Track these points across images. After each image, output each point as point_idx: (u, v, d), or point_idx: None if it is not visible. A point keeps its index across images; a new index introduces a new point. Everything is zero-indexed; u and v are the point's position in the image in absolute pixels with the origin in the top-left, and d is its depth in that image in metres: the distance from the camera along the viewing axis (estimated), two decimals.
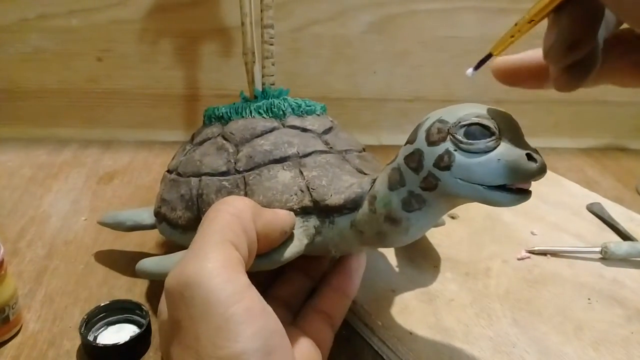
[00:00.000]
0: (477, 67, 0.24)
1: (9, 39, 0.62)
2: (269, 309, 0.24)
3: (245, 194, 0.32)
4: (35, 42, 0.63)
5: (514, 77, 0.24)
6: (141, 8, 0.61)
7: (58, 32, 0.62)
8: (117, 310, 0.36)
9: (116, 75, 0.65)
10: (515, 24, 0.22)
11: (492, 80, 0.25)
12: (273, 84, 0.40)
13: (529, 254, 0.42)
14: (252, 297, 0.24)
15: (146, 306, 0.36)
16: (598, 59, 0.21)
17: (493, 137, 0.24)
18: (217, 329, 0.22)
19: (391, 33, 0.65)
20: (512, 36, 0.22)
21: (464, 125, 0.24)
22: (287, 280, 0.35)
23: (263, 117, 0.37)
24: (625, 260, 0.42)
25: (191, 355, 0.23)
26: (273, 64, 0.40)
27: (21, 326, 0.36)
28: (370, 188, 0.30)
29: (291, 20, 0.63)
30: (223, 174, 0.34)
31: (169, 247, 0.45)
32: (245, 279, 0.25)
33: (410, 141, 0.27)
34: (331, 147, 0.35)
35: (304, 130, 0.36)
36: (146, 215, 0.41)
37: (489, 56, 0.24)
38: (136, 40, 0.63)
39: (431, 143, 0.26)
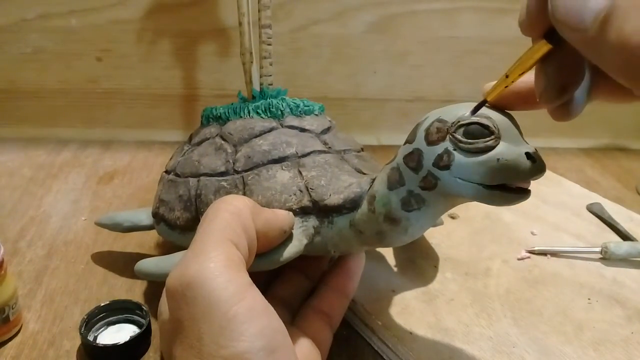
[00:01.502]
0: (474, 112, 0.25)
1: (9, 39, 0.62)
2: (271, 308, 0.24)
3: (244, 194, 0.32)
4: (35, 42, 0.63)
5: (505, 101, 0.25)
6: (141, 8, 0.62)
7: (58, 32, 0.62)
8: (117, 310, 0.36)
9: (116, 75, 0.65)
10: (506, 75, 0.23)
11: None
12: (271, 84, 0.40)
13: (529, 254, 0.42)
14: (254, 296, 0.24)
15: (146, 306, 0.36)
16: (587, 92, 0.22)
17: (492, 137, 0.24)
18: (220, 329, 0.22)
19: (391, 33, 0.65)
20: (506, 86, 0.23)
21: (463, 125, 0.24)
22: (286, 280, 0.35)
23: (261, 117, 0.37)
24: (625, 260, 0.41)
25: (194, 355, 0.23)
26: (271, 64, 0.40)
27: (21, 326, 0.36)
28: (369, 188, 0.30)
29: (291, 20, 0.63)
30: (221, 174, 0.34)
31: (169, 247, 0.44)
32: (247, 278, 0.25)
33: (409, 141, 0.27)
34: (330, 147, 0.35)
35: (303, 130, 0.36)
36: (144, 216, 0.41)
37: (483, 102, 0.25)
38: (136, 40, 0.63)
39: (430, 142, 0.26)
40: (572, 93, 0.21)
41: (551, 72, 0.21)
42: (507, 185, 0.24)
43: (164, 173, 0.39)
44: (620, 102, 0.23)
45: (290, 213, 0.31)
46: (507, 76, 0.23)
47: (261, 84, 0.40)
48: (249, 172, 0.33)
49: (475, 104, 0.25)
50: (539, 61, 0.21)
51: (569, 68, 0.21)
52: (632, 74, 0.18)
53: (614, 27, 0.17)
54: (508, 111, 0.26)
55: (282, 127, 0.36)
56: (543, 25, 0.20)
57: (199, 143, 0.38)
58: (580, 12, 0.17)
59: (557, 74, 0.21)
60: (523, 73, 0.22)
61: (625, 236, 0.45)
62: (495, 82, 0.24)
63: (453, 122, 0.25)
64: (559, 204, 0.50)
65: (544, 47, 0.20)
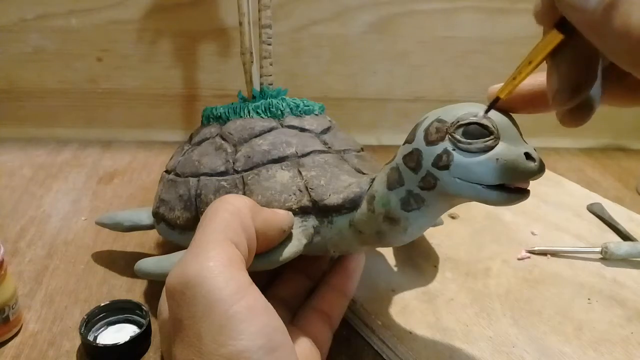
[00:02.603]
0: (487, 111, 0.24)
1: (9, 39, 0.62)
2: (271, 307, 0.24)
3: (244, 194, 0.32)
4: (35, 42, 0.63)
5: (510, 104, 0.25)
6: (141, 8, 0.62)
7: (58, 32, 0.62)
8: (117, 310, 0.36)
9: (116, 75, 0.65)
10: (517, 69, 0.23)
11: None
12: (271, 84, 0.40)
13: (529, 254, 0.42)
14: (254, 295, 0.24)
15: (146, 306, 0.36)
16: (599, 96, 0.22)
17: (491, 137, 0.24)
18: (219, 327, 0.22)
19: (391, 33, 0.65)
20: (514, 78, 0.23)
21: (463, 125, 0.24)
22: (286, 280, 0.35)
23: (261, 117, 0.37)
24: (625, 261, 0.41)
25: (194, 353, 0.23)
26: (271, 64, 0.40)
27: (21, 326, 0.36)
28: (369, 188, 0.30)
29: (291, 20, 0.63)
30: (221, 174, 0.34)
31: (169, 247, 0.45)
32: (246, 277, 0.25)
33: (408, 141, 0.27)
34: (329, 147, 0.35)
35: (303, 130, 0.36)
36: (144, 216, 0.41)
37: (496, 99, 0.24)
38: (136, 40, 0.63)
39: (430, 142, 0.26)
40: (585, 93, 0.21)
41: (563, 70, 0.21)
42: (507, 186, 0.24)
43: (164, 173, 0.39)
44: (628, 105, 0.23)
45: (290, 213, 0.31)
46: (517, 69, 0.23)
47: (261, 84, 0.40)
48: (248, 172, 0.33)
49: (474, 104, 0.25)
50: (551, 54, 0.21)
51: (582, 65, 0.20)
52: (636, 61, 0.17)
53: (620, 12, 0.17)
54: (512, 113, 0.26)
55: (282, 126, 0.36)
56: (555, 13, 0.20)
57: (199, 143, 0.38)
58: None
59: (569, 72, 0.21)
60: (536, 66, 0.22)
61: (625, 236, 0.45)
62: (503, 83, 0.24)
63: (452, 122, 0.25)
64: (559, 204, 0.50)
65: (556, 38, 0.20)
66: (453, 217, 0.47)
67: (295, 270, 0.36)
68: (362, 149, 0.38)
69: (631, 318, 0.36)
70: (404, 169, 0.27)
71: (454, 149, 0.25)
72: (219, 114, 0.38)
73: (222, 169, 0.34)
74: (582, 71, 0.21)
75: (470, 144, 0.24)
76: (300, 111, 0.37)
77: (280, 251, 0.30)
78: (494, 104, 0.24)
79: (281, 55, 0.63)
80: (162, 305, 0.28)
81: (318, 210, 0.31)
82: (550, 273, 0.40)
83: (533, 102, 0.24)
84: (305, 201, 0.31)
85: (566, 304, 0.37)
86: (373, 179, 0.30)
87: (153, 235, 0.46)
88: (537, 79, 0.24)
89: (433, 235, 0.44)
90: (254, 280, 0.25)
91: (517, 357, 0.32)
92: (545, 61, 0.22)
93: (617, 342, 0.33)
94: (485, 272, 0.40)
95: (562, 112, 0.22)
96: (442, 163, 0.25)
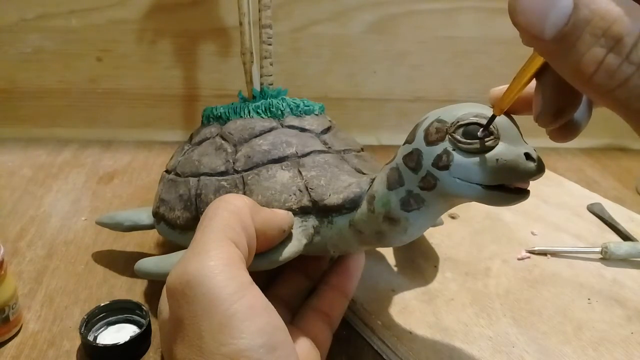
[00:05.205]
0: (485, 129, 0.24)
1: (9, 39, 0.62)
2: (271, 306, 0.24)
3: (244, 194, 0.32)
4: (35, 42, 0.63)
5: (512, 107, 0.25)
6: (141, 8, 0.62)
7: (58, 32, 0.62)
8: (117, 310, 0.36)
9: (116, 75, 0.65)
10: (509, 87, 0.23)
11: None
12: (271, 84, 0.40)
13: (529, 254, 0.42)
14: (255, 294, 0.24)
15: (146, 306, 0.36)
16: (588, 115, 0.23)
17: (491, 137, 0.24)
18: (220, 326, 0.22)
19: (391, 33, 0.65)
20: (505, 96, 0.23)
21: (463, 125, 0.24)
22: (286, 280, 0.35)
23: (261, 117, 0.37)
24: (625, 261, 0.41)
25: (194, 352, 0.23)
26: (271, 64, 0.40)
27: (21, 326, 0.36)
28: (369, 188, 0.30)
29: (291, 20, 0.63)
30: (221, 173, 0.34)
31: (169, 247, 0.45)
32: (247, 276, 0.25)
33: (408, 141, 0.27)
34: (330, 147, 0.35)
35: (303, 130, 0.36)
36: (144, 216, 0.41)
37: (493, 117, 0.24)
38: (136, 40, 0.63)
39: (430, 143, 0.26)
40: (567, 118, 0.21)
41: (547, 94, 0.21)
42: (506, 186, 0.24)
43: (165, 172, 0.39)
44: None
45: (290, 212, 0.31)
46: (510, 91, 0.23)
47: (261, 84, 0.40)
48: (248, 172, 0.33)
49: (474, 104, 0.25)
50: (537, 73, 0.21)
51: (565, 91, 0.20)
52: (592, 94, 0.18)
53: (573, 50, 0.17)
54: (513, 115, 0.25)
55: (282, 127, 0.36)
56: None
57: (200, 143, 0.38)
58: (541, 22, 0.17)
59: (552, 96, 0.21)
60: (525, 85, 0.22)
61: (625, 236, 0.45)
62: (502, 91, 0.24)
63: (452, 123, 0.25)
64: (559, 204, 0.50)
65: (539, 59, 0.20)
66: (453, 217, 0.47)
67: (295, 270, 0.36)
68: (362, 149, 0.38)
69: (631, 318, 0.36)
70: (404, 169, 0.27)
71: (454, 149, 0.25)
72: (219, 114, 0.38)
73: (222, 168, 0.34)
74: (565, 96, 0.21)
75: (470, 144, 0.24)
76: (300, 111, 0.37)
77: (280, 251, 0.30)
78: (490, 122, 0.24)
79: (281, 55, 0.63)
80: (163, 305, 0.28)
81: (318, 210, 0.31)
82: (550, 273, 0.40)
83: (529, 103, 0.24)
84: (305, 201, 0.31)
85: (566, 304, 0.37)
86: (373, 179, 0.30)
87: (153, 235, 0.46)
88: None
89: (433, 235, 0.44)
90: (253, 280, 0.25)
91: (517, 357, 0.32)
92: (534, 79, 0.22)
93: (617, 342, 0.33)
94: (485, 272, 0.40)
95: (549, 130, 0.23)
96: (442, 163, 0.25)
